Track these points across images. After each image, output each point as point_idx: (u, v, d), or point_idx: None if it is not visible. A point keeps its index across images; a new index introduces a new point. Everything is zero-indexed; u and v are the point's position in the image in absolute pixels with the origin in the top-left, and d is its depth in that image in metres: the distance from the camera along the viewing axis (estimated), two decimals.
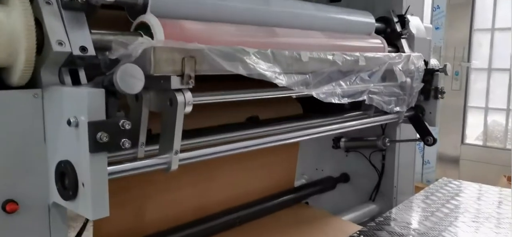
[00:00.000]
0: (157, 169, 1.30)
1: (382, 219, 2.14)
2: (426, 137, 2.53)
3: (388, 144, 2.65)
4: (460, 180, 2.84)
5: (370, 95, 2.02)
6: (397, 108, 2.24)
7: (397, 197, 2.77)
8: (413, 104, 2.37)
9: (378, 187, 2.81)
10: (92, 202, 1.05)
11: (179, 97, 1.26)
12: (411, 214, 2.27)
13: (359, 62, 1.91)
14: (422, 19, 2.80)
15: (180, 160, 1.35)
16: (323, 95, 1.70)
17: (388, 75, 2.16)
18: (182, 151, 1.40)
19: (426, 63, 2.44)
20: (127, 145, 1.07)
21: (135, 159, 1.33)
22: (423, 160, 5.84)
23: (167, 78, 1.24)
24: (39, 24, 1.13)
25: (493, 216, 2.22)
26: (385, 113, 2.27)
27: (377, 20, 2.45)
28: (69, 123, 1.04)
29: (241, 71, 1.36)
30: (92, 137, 1.02)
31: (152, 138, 1.38)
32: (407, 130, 2.69)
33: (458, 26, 6.11)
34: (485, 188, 2.68)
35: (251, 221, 2.32)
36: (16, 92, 1.14)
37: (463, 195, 2.53)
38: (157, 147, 1.36)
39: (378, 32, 2.44)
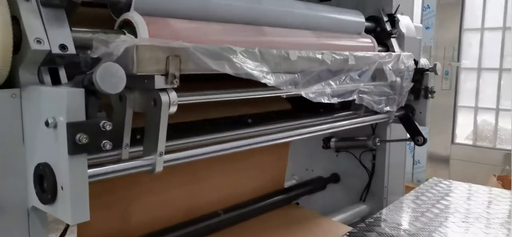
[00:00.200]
0: (140, 171, 1.27)
1: (372, 220, 2.12)
2: (416, 137, 2.52)
3: (379, 144, 2.63)
4: (450, 180, 2.83)
5: (360, 95, 2.00)
6: (387, 108, 2.22)
7: (387, 197, 2.76)
8: (403, 104, 2.36)
9: (368, 187, 2.80)
10: (71, 206, 1.01)
11: (164, 97, 1.23)
12: (401, 214, 2.25)
13: (348, 61, 1.88)
14: (412, 19, 2.79)
15: (165, 161, 1.32)
16: (312, 95, 1.68)
17: (378, 75, 2.14)
18: (168, 152, 1.37)
19: (416, 62, 2.42)
20: (108, 146, 1.03)
21: (119, 160, 1.30)
22: (413, 159, 5.85)
23: (151, 78, 1.21)
24: (17, 21, 1.09)
25: (483, 216, 2.21)
26: (375, 113, 2.25)
27: (367, 19, 2.43)
28: (47, 124, 1.01)
29: (228, 70, 1.33)
30: (71, 139, 0.98)
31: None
32: (398, 130, 2.68)
33: (448, 26, 6.13)
34: (475, 188, 2.67)
35: (241, 222, 2.29)
36: None
37: (453, 195, 2.52)
38: None
39: (368, 31, 2.42)
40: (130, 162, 1.26)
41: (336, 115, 2.25)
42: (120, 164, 1.24)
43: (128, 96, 1.29)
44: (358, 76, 1.95)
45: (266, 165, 2.51)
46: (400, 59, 2.25)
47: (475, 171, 5.75)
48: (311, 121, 2.10)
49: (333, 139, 2.83)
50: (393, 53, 2.24)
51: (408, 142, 2.78)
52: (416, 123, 2.54)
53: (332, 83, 1.79)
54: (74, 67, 1.17)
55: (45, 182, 1.07)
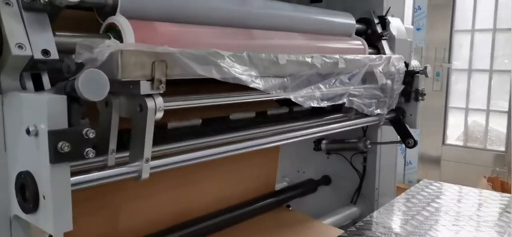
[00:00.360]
0: (126, 178, 1.24)
1: (362, 223, 2.11)
2: (407, 139, 2.52)
3: (369, 146, 2.63)
4: (441, 182, 2.84)
5: (350, 98, 1.98)
6: (378, 111, 2.21)
7: (378, 200, 2.76)
8: (393, 106, 2.35)
9: (359, 189, 2.79)
10: (53, 216, 0.99)
11: (149, 103, 1.21)
12: (392, 218, 2.25)
13: (338, 65, 1.87)
14: (403, 20, 2.79)
15: (151, 168, 1.29)
16: (301, 99, 1.66)
17: (369, 78, 2.14)
18: (155, 157, 1.34)
19: (406, 64, 2.42)
20: (91, 155, 1.01)
21: (105, 166, 1.28)
22: (405, 160, 5.87)
23: (136, 83, 1.18)
24: None
25: (473, 219, 2.22)
26: (366, 115, 2.24)
27: (358, 21, 2.42)
28: (28, 132, 0.98)
29: (215, 75, 1.31)
30: (53, 147, 0.95)
31: None
32: (389, 132, 2.67)
33: (439, 27, 6.16)
34: (466, 190, 2.68)
35: (231, 226, 2.28)
36: None
37: (443, 198, 2.53)
38: None
39: (358, 33, 2.42)
40: (116, 169, 1.24)
41: (326, 117, 2.24)
42: (105, 171, 1.21)
43: (114, 101, 1.27)
44: (348, 79, 1.94)
45: (257, 167, 2.50)
46: (391, 62, 2.24)
47: (466, 172, 5.78)
48: (302, 124, 2.09)
49: (324, 141, 2.82)
50: (384, 56, 2.23)
51: (399, 144, 2.78)
52: (407, 126, 2.53)
53: (322, 86, 1.78)
54: (58, 73, 1.15)
55: (27, 191, 1.04)
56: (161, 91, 1.22)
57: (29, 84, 1.12)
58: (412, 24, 5.84)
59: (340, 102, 1.92)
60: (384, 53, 2.46)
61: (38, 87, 1.13)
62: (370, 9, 2.54)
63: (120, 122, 1.30)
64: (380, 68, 2.15)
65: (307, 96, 1.70)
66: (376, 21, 2.52)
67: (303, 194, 2.81)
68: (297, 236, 2.34)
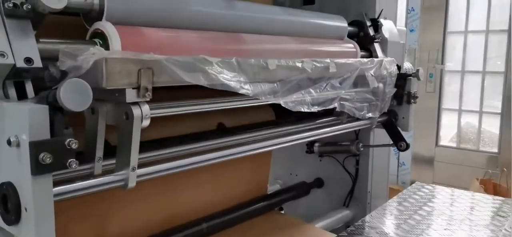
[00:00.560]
0: (112, 187, 1.22)
1: (354, 228, 2.10)
2: (399, 142, 2.51)
3: (362, 149, 2.62)
4: (433, 185, 2.84)
5: (341, 102, 1.97)
6: (369, 114, 2.20)
7: (371, 202, 2.75)
8: (386, 110, 2.34)
9: (352, 192, 2.79)
10: (35, 228, 0.97)
11: (136, 111, 1.19)
12: (385, 221, 2.24)
13: (329, 69, 1.86)
14: (396, 22, 2.78)
15: (138, 176, 1.27)
16: (291, 104, 1.65)
17: (360, 81, 2.12)
18: (142, 165, 1.32)
19: (399, 67, 2.41)
20: (74, 165, 0.98)
21: (92, 174, 1.26)
22: (398, 162, 5.87)
23: (122, 91, 1.16)
24: None
25: (466, 223, 2.21)
26: (358, 119, 2.23)
27: (350, 24, 2.41)
28: (9, 143, 0.96)
29: (203, 82, 1.29)
30: (34, 159, 0.93)
31: None
32: (381, 135, 2.67)
33: (432, 29, 6.16)
34: (458, 193, 2.68)
35: (222, 230, 2.26)
36: None
37: (436, 201, 2.52)
38: None
39: (351, 36, 2.40)
40: (101, 178, 1.21)
41: (318, 121, 2.23)
42: (91, 181, 1.19)
43: (100, 109, 1.25)
44: (339, 83, 1.93)
45: (248, 170, 2.48)
46: (383, 65, 2.23)
47: (459, 173, 5.79)
48: (293, 128, 2.08)
49: (316, 144, 2.81)
50: (376, 59, 2.22)
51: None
52: (399, 129, 2.53)
53: (313, 91, 1.76)
54: (42, 81, 1.13)
55: (9, 202, 1.02)
56: (148, 99, 1.20)
57: (12, 92, 1.10)
58: (406, 25, 5.85)
59: (331, 106, 1.91)
60: (377, 56, 2.45)
61: (22, 95, 1.11)
62: (363, 11, 2.53)
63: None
64: (371, 72, 2.14)
65: (297, 101, 1.68)
66: (369, 23, 2.51)
67: (296, 197, 2.79)
68: None
